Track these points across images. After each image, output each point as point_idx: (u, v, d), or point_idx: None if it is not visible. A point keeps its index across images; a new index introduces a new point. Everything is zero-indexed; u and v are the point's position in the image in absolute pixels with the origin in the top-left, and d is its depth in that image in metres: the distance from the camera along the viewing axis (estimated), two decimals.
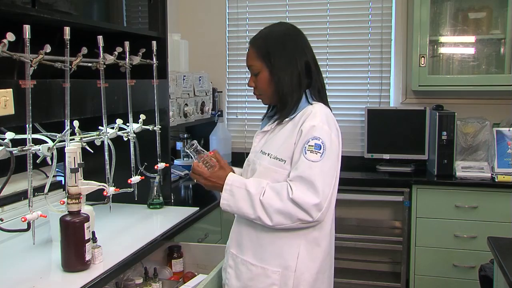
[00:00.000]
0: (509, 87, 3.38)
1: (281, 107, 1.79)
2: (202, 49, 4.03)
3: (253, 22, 4.07)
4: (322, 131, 1.68)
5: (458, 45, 3.63)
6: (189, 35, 3.85)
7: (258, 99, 1.85)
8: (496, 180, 3.25)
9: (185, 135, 3.74)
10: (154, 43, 2.42)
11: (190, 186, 3.35)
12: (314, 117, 1.70)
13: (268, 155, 1.74)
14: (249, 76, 1.83)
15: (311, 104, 1.75)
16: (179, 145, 3.75)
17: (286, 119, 1.76)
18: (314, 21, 3.95)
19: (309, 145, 1.66)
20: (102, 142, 2.07)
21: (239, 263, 1.80)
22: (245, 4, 4.07)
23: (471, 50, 3.61)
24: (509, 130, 3.43)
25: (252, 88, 1.83)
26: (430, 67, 3.58)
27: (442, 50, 3.66)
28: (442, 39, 3.61)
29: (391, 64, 3.86)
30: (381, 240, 3.56)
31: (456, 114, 3.40)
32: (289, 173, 1.69)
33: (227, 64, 4.12)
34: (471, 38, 3.57)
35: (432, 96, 3.72)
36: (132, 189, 2.22)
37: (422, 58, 3.47)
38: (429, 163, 3.64)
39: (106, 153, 2.06)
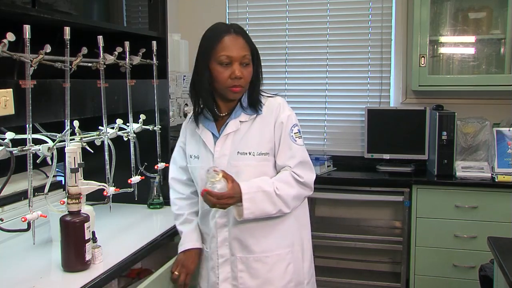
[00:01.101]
0: (509, 87, 3.37)
1: (252, 103, 1.86)
2: None
3: (253, 22, 4.07)
4: (294, 118, 1.89)
5: (458, 45, 3.62)
6: (189, 35, 3.83)
7: (235, 91, 1.80)
8: (496, 180, 3.24)
9: None
10: (154, 43, 2.42)
11: None
12: (284, 108, 1.87)
13: (250, 153, 1.82)
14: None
15: (267, 97, 1.90)
16: None
17: (253, 116, 1.85)
18: (314, 21, 3.95)
19: (294, 133, 1.85)
20: (102, 142, 2.08)
21: (251, 263, 1.84)
22: (245, 4, 4.07)
23: (471, 50, 3.61)
24: (509, 130, 3.43)
25: (238, 78, 1.78)
26: (430, 67, 3.58)
27: (442, 50, 3.66)
28: (442, 39, 3.61)
29: (391, 64, 3.85)
30: (381, 240, 3.56)
31: (456, 114, 3.40)
32: (274, 163, 1.84)
33: None
34: (471, 38, 3.57)
35: (432, 96, 3.71)
36: (132, 189, 2.22)
37: (422, 58, 3.47)
38: (429, 163, 3.64)
39: (106, 153, 2.06)
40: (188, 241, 1.96)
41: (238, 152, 1.82)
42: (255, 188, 1.75)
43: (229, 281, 1.86)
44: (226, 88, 1.79)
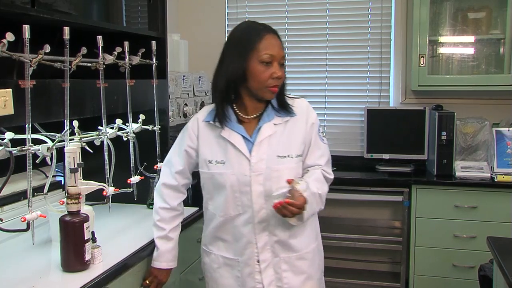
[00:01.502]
0: (509, 87, 3.38)
1: (282, 105, 1.84)
2: (201, 49, 4.01)
3: None
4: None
5: (457, 45, 3.63)
6: (189, 35, 3.84)
7: (274, 92, 1.78)
8: (496, 180, 3.25)
9: None
10: (153, 43, 2.41)
11: (190, 186, 3.34)
12: (312, 109, 1.90)
13: (289, 156, 1.80)
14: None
15: (293, 99, 1.89)
16: None
17: (286, 118, 1.84)
18: (313, 21, 3.95)
19: (321, 132, 1.89)
20: (102, 142, 2.07)
21: (294, 261, 1.86)
22: (245, 4, 4.07)
23: (470, 50, 3.61)
24: (508, 130, 3.43)
25: (278, 78, 1.75)
26: (430, 67, 3.58)
27: (442, 50, 3.66)
28: (442, 39, 3.61)
29: (390, 64, 3.86)
30: (381, 240, 3.56)
31: (455, 114, 3.40)
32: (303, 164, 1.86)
33: None
34: (471, 38, 3.57)
35: (432, 96, 3.72)
36: (131, 189, 2.22)
37: (422, 58, 3.47)
38: (428, 163, 3.64)
39: (106, 153, 2.06)
40: (164, 260, 1.94)
41: (277, 155, 1.79)
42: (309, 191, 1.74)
43: (274, 284, 1.85)
44: (264, 88, 1.75)
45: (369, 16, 3.87)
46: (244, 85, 1.78)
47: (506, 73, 3.39)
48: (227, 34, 4.08)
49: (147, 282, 1.93)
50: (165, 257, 1.95)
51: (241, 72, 1.74)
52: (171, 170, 1.96)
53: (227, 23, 4.11)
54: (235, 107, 1.84)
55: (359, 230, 3.73)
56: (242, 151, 1.79)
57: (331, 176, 1.89)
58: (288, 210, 1.65)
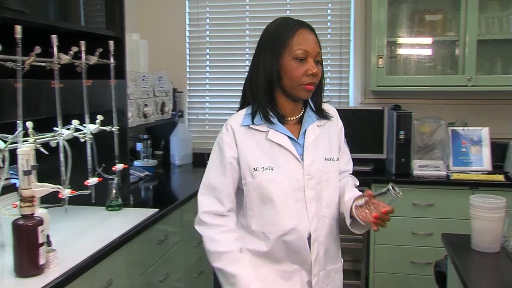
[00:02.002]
0: (463, 88, 3.47)
1: (319, 107, 1.76)
2: (162, 49, 4.00)
3: (214, 22, 4.07)
4: None
5: (414, 46, 3.70)
6: (149, 35, 3.81)
7: (309, 89, 1.66)
8: (451, 178, 3.33)
9: (144, 136, 3.70)
10: (111, 43, 2.38)
11: (151, 187, 3.32)
12: (337, 113, 1.85)
13: (333, 159, 1.75)
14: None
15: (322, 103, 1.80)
16: (139, 146, 3.71)
17: (325, 121, 1.77)
18: None
19: (345, 139, 1.85)
20: (58, 143, 2.03)
21: (333, 274, 1.79)
22: (205, 4, 4.05)
23: (427, 51, 3.69)
24: (463, 130, 3.53)
25: (313, 75, 1.64)
26: (388, 68, 3.64)
27: (400, 51, 3.73)
28: (399, 40, 3.68)
29: (350, 65, 3.91)
30: (342, 238, 3.57)
31: (413, 114, 3.47)
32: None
33: (188, 64, 4.10)
34: (427, 40, 3.65)
35: (390, 96, 3.78)
36: (89, 191, 2.18)
37: (380, 59, 3.53)
38: (387, 162, 3.70)
39: (62, 155, 2.02)
40: (249, 284, 1.64)
41: (325, 158, 1.72)
42: None
43: None
44: (299, 86, 1.64)
45: (329, 17, 3.91)
46: (279, 85, 1.67)
47: (461, 74, 3.48)
48: (188, 34, 4.09)
49: None
50: (249, 278, 1.66)
51: (275, 71, 1.64)
52: (214, 197, 1.71)
53: (187, 22, 4.08)
54: (276, 108, 1.70)
55: None
56: (294, 153, 1.67)
57: (357, 183, 1.86)
58: (386, 218, 1.52)
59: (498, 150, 3.51)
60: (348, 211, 1.64)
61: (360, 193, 1.67)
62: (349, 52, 3.90)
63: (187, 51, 4.09)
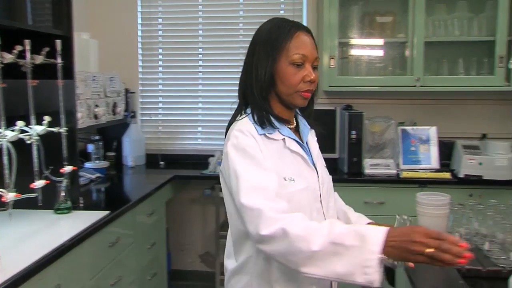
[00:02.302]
0: (412, 88, 3.55)
1: (310, 112, 1.66)
2: (113, 49, 3.94)
3: (167, 22, 4.03)
4: None
5: (365, 47, 3.76)
6: (100, 35, 3.74)
7: (306, 97, 1.54)
8: (401, 176, 3.41)
9: (96, 137, 3.63)
10: (58, 42, 2.32)
11: (102, 189, 3.26)
12: None
13: (325, 167, 1.68)
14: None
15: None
16: (90, 147, 3.63)
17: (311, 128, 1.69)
18: (227, 22, 3.97)
19: None
20: (1, 145, 1.97)
21: None
22: (158, 4, 4.01)
23: (377, 52, 3.76)
24: (412, 129, 3.62)
25: (311, 81, 1.52)
26: (340, 68, 3.69)
27: (351, 52, 3.79)
28: (351, 41, 3.74)
29: None
30: None
31: (364, 113, 3.53)
32: None
33: (140, 64, 4.05)
34: (378, 41, 3.72)
35: (342, 96, 3.84)
36: (36, 194, 2.12)
37: (332, 60, 3.58)
38: (340, 161, 3.76)
39: (5, 157, 1.96)
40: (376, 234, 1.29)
41: (324, 165, 1.66)
42: None
43: None
44: (295, 93, 1.51)
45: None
46: (274, 91, 1.53)
47: (409, 74, 3.57)
48: (140, 34, 4.03)
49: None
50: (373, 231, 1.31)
51: (269, 76, 1.50)
52: (267, 196, 1.39)
53: (139, 22, 4.03)
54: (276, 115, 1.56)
55: None
56: (309, 162, 1.58)
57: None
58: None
59: (445, 148, 3.62)
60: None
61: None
62: None
63: (140, 51, 4.04)
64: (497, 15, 3.41)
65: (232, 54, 3.97)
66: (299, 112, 1.67)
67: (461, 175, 3.36)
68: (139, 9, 4.02)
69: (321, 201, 1.57)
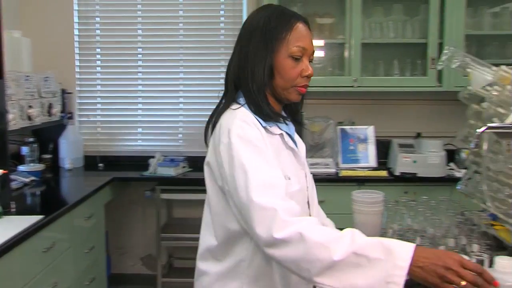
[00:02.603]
0: (350, 88, 3.63)
1: (298, 108, 1.59)
2: (48, 48, 3.81)
3: (105, 21, 3.95)
4: None
5: None
6: (33, 33, 3.61)
7: (302, 92, 1.47)
8: (340, 175, 3.47)
9: (30, 139, 3.50)
10: None
11: (37, 192, 3.15)
12: None
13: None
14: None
15: None
16: (24, 149, 3.50)
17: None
18: (167, 21, 3.93)
19: None
20: None
21: None
22: (95, 2, 3.92)
23: (318, 53, 3.81)
24: (351, 128, 3.70)
25: (308, 76, 1.47)
26: None
27: None
28: None
29: None
30: None
31: (304, 113, 3.55)
32: None
33: (77, 64, 3.94)
34: (319, 42, 3.77)
35: None
36: None
37: None
38: None
39: None
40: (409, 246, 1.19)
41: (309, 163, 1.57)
42: None
43: None
44: (291, 87, 1.43)
45: (222, 18, 3.93)
46: (269, 84, 1.43)
47: (347, 75, 3.64)
48: (77, 33, 3.92)
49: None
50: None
51: (269, 68, 1.41)
52: (277, 194, 1.28)
53: (76, 21, 3.92)
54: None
55: None
56: (303, 158, 1.52)
57: None
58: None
59: (382, 147, 3.72)
60: None
61: None
62: None
63: (76, 51, 3.93)
64: (428, 19, 3.54)
65: (172, 54, 3.93)
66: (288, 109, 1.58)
67: (397, 173, 3.46)
68: (76, 7, 3.91)
69: (308, 202, 1.51)
